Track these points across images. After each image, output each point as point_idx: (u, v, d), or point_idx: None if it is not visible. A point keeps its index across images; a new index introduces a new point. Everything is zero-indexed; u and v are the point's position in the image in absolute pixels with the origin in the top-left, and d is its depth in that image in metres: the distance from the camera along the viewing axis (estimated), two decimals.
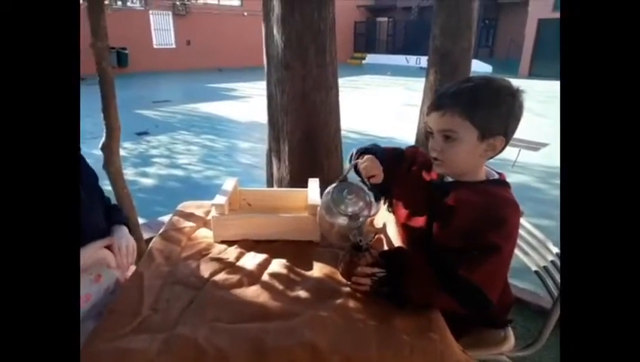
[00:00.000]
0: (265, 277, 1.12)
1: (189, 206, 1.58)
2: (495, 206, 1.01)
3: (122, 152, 2.10)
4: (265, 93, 2.17)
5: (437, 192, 1.11)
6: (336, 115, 2.13)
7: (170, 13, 15.83)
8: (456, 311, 0.96)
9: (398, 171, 1.26)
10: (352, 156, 1.29)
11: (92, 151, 2.23)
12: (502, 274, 1.04)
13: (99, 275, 1.03)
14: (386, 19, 21.86)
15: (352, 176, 1.23)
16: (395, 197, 1.28)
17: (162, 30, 15.97)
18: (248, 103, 9.19)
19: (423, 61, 18.47)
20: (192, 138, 6.10)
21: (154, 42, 15.78)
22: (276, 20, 1.94)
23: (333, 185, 1.15)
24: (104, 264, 1.04)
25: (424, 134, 1.21)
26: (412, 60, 18.95)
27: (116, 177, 1.77)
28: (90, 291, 1.01)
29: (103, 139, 1.65)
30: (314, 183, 1.44)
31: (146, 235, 2.25)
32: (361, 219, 1.09)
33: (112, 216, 1.14)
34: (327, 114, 2.06)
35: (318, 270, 1.16)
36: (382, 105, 9.07)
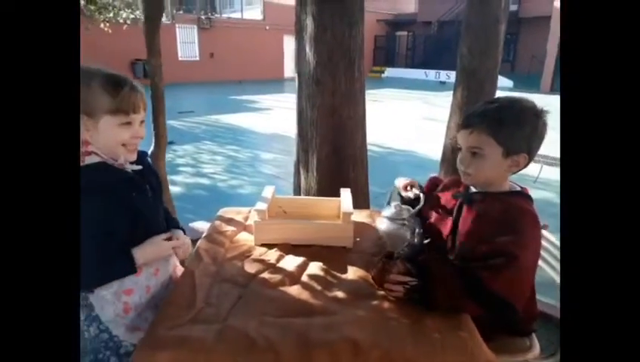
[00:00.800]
0: (304, 277, 1.22)
1: (228, 211, 1.69)
2: (512, 215, 1.07)
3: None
4: (294, 106, 2.29)
5: (462, 202, 1.20)
6: (363, 129, 2.24)
7: (195, 26, 16.38)
8: (483, 317, 1.03)
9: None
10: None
11: None
12: (524, 283, 1.08)
13: (157, 269, 1.14)
14: (405, 33, 22.05)
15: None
16: (425, 212, 1.38)
17: (187, 43, 16.52)
18: (269, 115, 9.40)
19: (442, 75, 18.62)
20: (217, 148, 6.29)
21: (179, 55, 16.32)
22: (309, 39, 2.07)
23: (391, 207, 1.35)
24: (166, 255, 1.15)
25: (451, 149, 1.32)
26: (431, 74, 19.02)
27: (162, 185, 1.90)
28: (150, 283, 1.12)
29: (152, 147, 1.78)
30: (346, 193, 1.53)
31: None
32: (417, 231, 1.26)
33: (169, 219, 1.25)
34: (354, 128, 2.16)
35: (353, 273, 1.25)
36: (401, 118, 9.15)
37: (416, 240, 1.29)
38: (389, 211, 1.35)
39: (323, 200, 1.62)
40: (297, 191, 2.45)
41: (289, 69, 19.66)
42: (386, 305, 1.08)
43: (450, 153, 1.11)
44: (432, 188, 1.43)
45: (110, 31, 8.33)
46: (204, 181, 4.72)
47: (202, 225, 3.24)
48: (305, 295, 1.14)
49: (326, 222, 1.43)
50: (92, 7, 7.67)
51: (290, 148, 6.22)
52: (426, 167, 5.44)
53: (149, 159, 1.22)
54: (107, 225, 0.98)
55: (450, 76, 18.09)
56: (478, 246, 1.06)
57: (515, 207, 1.10)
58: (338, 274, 1.24)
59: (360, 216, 1.60)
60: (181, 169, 5.12)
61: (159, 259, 1.13)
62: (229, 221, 1.60)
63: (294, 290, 1.15)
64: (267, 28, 18.16)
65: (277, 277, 1.22)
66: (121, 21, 8.28)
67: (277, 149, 6.27)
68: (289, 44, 19.25)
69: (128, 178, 1.05)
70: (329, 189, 2.11)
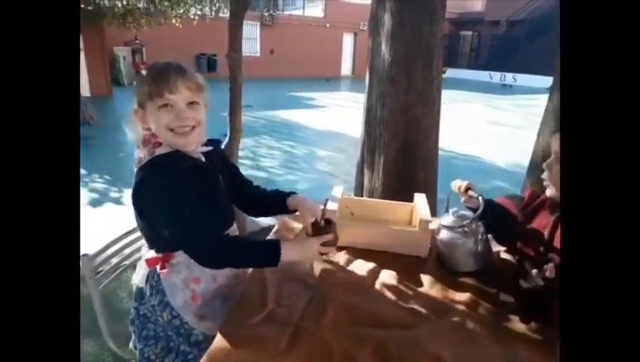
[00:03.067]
0: (378, 285, 1.15)
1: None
2: None
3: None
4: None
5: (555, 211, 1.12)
6: (436, 131, 2.12)
7: (258, 23, 16.80)
8: None
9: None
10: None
11: None
12: None
13: None
14: (470, 32, 21.09)
15: None
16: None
17: (249, 39, 16.98)
18: (325, 112, 9.40)
19: (508, 78, 17.59)
20: (274, 143, 6.39)
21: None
22: (385, 35, 1.99)
23: (449, 214, 1.25)
24: (312, 259, 1.16)
25: (542, 156, 1.18)
26: (496, 77, 18.04)
27: None
28: (216, 273, 1.09)
29: (226, 140, 1.81)
30: (422, 198, 1.44)
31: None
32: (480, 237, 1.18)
33: (282, 195, 1.26)
34: (428, 127, 2.06)
35: (429, 286, 1.16)
36: (462, 120, 8.75)
37: (479, 247, 1.20)
38: (447, 219, 1.24)
39: (394, 204, 1.54)
40: (359, 191, 2.39)
41: (346, 67, 19.60)
42: (470, 324, 0.99)
43: (541, 161, 1.00)
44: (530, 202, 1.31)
45: (181, 26, 8.76)
46: (262, 174, 4.81)
47: (262, 218, 3.28)
48: (379, 304, 1.07)
49: (402, 229, 1.35)
50: (166, 4, 8.09)
51: (345, 146, 6.25)
52: (491, 173, 5.14)
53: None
54: (203, 202, 0.97)
55: (516, 79, 17.05)
56: None
57: None
58: (413, 286, 1.16)
59: (433, 224, 1.50)
60: (241, 161, 5.24)
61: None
62: (296, 217, 1.57)
63: (368, 298, 1.09)
64: (327, 25, 18.19)
65: (348, 280, 1.16)
66: (192, 16, 8.66)
67: (332, 147, 6.25)
68: (347, 42, 19.19)
69: (200, 166, 1.04)
70: (395, 192, 2.03)
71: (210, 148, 1.09)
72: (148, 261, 1.05)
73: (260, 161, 5.30)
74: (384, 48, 2.00)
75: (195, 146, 1.04)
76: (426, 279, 1.19)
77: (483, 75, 18.53)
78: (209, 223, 0.98)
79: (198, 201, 0.96)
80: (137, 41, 12.27)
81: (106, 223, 3.23)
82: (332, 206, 1.37)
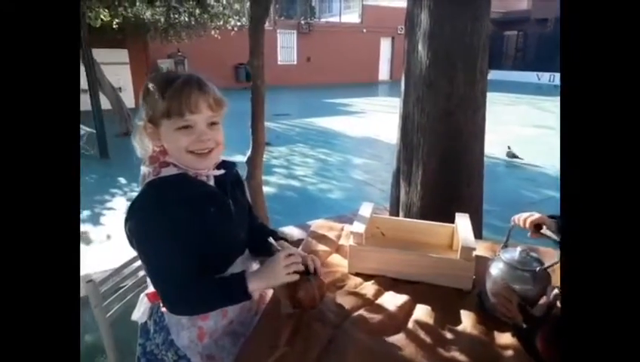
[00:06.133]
0: (410, 324, 0.98)
1: (321, 226, 1.52)
2: None
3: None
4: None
5: None
6: (482, 138, 1.90)
7: (294, 31, 16.95)
8: None
9: None
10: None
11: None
12: None
13: None
14: (515, 32, 20.13)
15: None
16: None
17: (286, 48, 17.16)
18: (362, 119, 9.22)
19: (558, 78, 16.55)
20: (308, 151, 6.29)
21: (278, 59, 17.03)
22: (422, 35, 1.81)
23: (515, 250, 1.02)
24: (282, 282, 0.94)
25: None
26: (544, 77, 17.05)
27: (257, 190, 1.81)
28: (226, 307, 0.98)
29: (249, 152, 1.71)
30: (464, 219, 1.25)
31: None
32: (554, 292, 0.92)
33: (266, 231, 1.12)
34: (471, 135, 1.84)
35: (472, 326, 0.98)
36: (506, 124, 8.24)
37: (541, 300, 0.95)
38: (510, 254, 1.00)
39: (432, 225, 1.35)
40: (395, 206, 2.20)
41: (384, 72, 19.31)
42: None
43: None
44: None
45: (219, 37, 8.95)
46: (295, 183, 4.71)
47: (290, 230, 3.17)
48: (411, 349, 0.90)
49: (441, 256, 1.16)
50: (205, 16, 8.31)
51: (382, 153, 6.04)
52: (540, 181, 4.74)
53: (245, 165, 1.08)
54: (188, 240, 0.85)
55: None
56: None
57: None
58: (453, 327, 0.98)
59: (478, 249, 1.30)
60: (275, 170, 5.20)
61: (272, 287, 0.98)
62: (322, 238, 1.43)
63: (397, 341, 0.92)
64: (364, 31, 18.02)
65: (375, 318, 1.00)
66: (230, 28, 8.83)
67: (368, 154, 6.06)
68: (385, 47, 18.92)
69: (207, 192, 0.92)
70: (435, 207, 1.83)
71: (222, 171, 0.96)
72: (149, 295, 0.95)
73: (293, 170, 5.21)
74: (421, 49, 1.82)
75: (209, 169, 0.93)
76: (467, 317, 1.00)
77: (530, 76, 17.58)
78: (185, 268, 0.85)
79: (186, 239, 0.84)
80: (180, 54, 12.72)
81: None
82: (359, 228, 1.21)
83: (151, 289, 0.94)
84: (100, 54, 6.14)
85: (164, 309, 0.92)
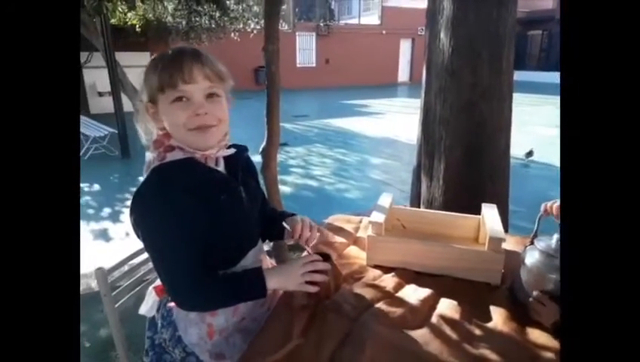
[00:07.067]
0: (434, 319, 0.91)
1: (338, 219, 1.47)
2: None
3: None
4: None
5: None
6: (507, 131, 1.81)
7: (314, 34, 16.98)
8: None
9: None
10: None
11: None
12: None
13: None
14: (540, 32, 19.62)
15: None
16: None
17: (305, 50, 17.21)
18: (380, 119, 9.12)
19: None
20: (326, 151, 6.24)
21: (297, 61, 17.09)
22: (445, 22, 1.73)
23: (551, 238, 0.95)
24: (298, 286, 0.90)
25: None
26: None
27: (271, 182, 1.76)
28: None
29: (264, 143, 1.67)
30: (491, 210, 1.17)
31: None
32: None
33: (279, 214, 1.07)
34: (496, 128, 1.75)
35: (502, 323, 0.90)
36: (531, 125, 8.00)
37: None
38: (546, 242, 0.94)
39: (457, 216, 1.28)
40: (416, 201, 2.12)
41: (403, 74, 19.13)
42: None
43: None
44: None
45: (239, 40, 9.03)
46: (313, 183, 4.67)
47: None
48: (435, 345, 0.83)
49: (468, 248, 1.09)
50: (225, 19, 8.41)
51: (400, 153, 5.94)
52: None
53: (261, 156, 1.02)
54: (197, 230, 0.80)
55: None
56: None
57: None
58: (481, 323, 0.90)
59: (507, 243, 1.22)
60: (292, 170, 5.17)
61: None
62: (338, 230, 1.37)
63: (420, 336, 0.86)
64: (384, 32, 17.89)
65: (396, 311, 0.93)
66: (249, 30, 8.90)
67: (386, 154, 5.98)
68: (405, 48, 18.74)
69: (217, 178, 0.87)
70: (458, 202, 1.75)
71: (231, 151, 0.91)
72: (156, 289, 0.91)
73: (311, 170, 5.17)
74: (444, 37, 1.75)
75: (214, 149, 0.86)
76: (497, 313, 0.93)
77: (554, 77, 17.06)
78: (194, 260, 0.80)
79: (194, 229, 0.79)
80: None
81: None
82: (378, 217, 1.15)
83: (159, 282, 0.90)
84: (122, 57, 6.26)
85: (171, 304, 0.88)
